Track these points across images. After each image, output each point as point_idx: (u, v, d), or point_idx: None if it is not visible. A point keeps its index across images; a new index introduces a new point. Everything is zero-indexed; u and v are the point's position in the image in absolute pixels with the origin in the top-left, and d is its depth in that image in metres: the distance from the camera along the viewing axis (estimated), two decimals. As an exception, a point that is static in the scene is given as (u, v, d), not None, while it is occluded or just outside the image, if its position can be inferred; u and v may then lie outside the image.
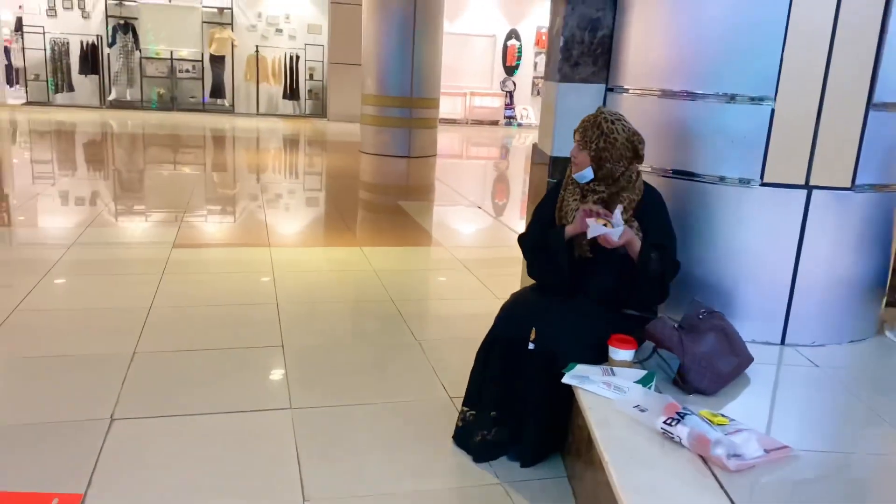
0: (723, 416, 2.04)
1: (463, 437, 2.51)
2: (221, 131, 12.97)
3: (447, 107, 16.07)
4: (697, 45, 2.75)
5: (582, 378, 2.24)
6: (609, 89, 3.16)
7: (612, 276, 2.47)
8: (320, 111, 16.09)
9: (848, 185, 2.65)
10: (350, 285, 4.39)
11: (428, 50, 10.24)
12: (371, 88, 10.39)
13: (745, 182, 2.68)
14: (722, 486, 1.75)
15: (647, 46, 2.96)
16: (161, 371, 3.00)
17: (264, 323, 3.57)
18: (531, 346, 2.33)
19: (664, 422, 1.96)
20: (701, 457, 1.87)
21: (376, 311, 3.89)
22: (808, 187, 2.63)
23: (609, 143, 2.41)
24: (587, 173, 2.46)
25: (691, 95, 2.79)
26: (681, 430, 1.92)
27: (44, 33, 14.49)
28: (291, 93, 15.82)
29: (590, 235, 2.36)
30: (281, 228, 5.94)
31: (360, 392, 2.90)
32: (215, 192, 7.63)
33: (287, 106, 16.08)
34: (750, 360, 2.44)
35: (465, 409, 2.55)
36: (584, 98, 3.15)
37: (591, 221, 2.35)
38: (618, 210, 2.37)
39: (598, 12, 3.07)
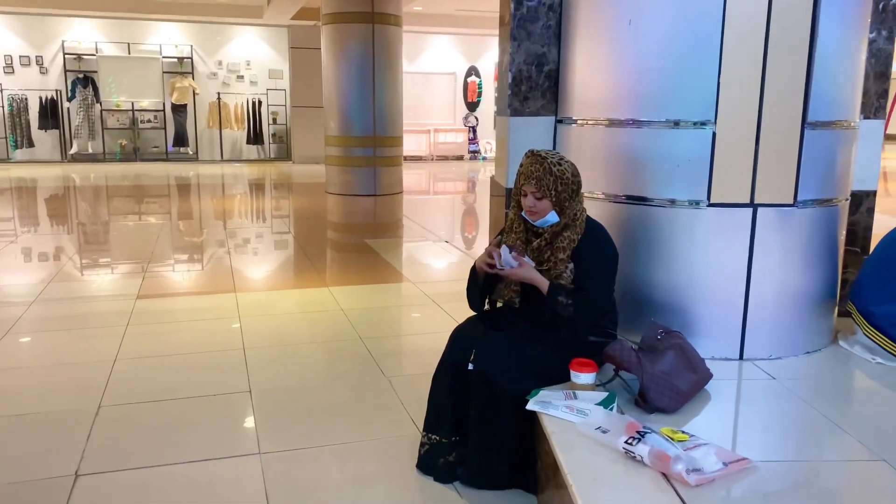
0: (683, 432, 2.08)
1: (426, 464, 2.55)
2: (186, 179, 12.94)
3: (412, 144, 16.27)
4: (639, 75, 2.86)
5: (545, 403, 2.28)
6: (559, 121, 3.25)
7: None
8: (285, 154, 16.15)
9: (790, 201, 2.74)
10: (318, 326, 4.39)
11: (388, 89, 10.38)
12: (334, 130, 10.48)
13: (693, 203, 2.76)
14: (683, 502, 1.78)
15: (592, 78, 3.06)
16: (126, 424, 2.97)
17: (231, 369, 3.55)
18: (470, 366, 2.39)
19: (625, 441, 1.99)
20: (663, 474, 1.90)
21: (345, 351, 3.89)
22: (753, 205, 2.73)
23: (564, 184, 2.47)
24: (551, 217, 2.50)
25: (637, 123, 2.88)
26: (641, 449, 1.95)
27: (1, 90, 14.41)
28: (255, 137, 15.88)
29: (507, 264, 2.44)
30: (247, 273, 5.93)
31: (330, 434, 2.89)
32: (180, 241, 7.59)
33: (251, 151, 16.13)
34: (709, 376, 2.49)
35: (425, 434, 2.58)
36: (534, 131, 3.24)
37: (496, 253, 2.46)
38: (503, 250, 2.46)
39: (544, 48, 3.17)
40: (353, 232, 8.31)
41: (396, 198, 10.49)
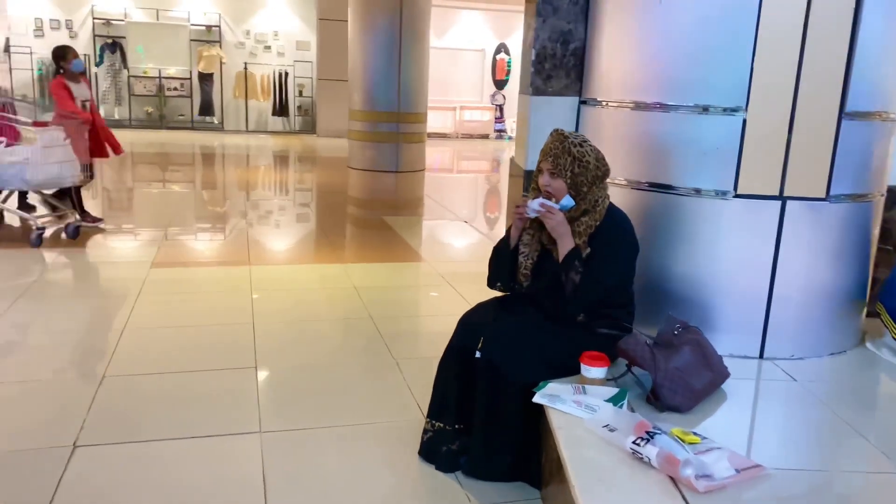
0: (695, 434, 1.98)
1: (429, 451, 2.49)
2: (210, 149, 12.93)
3: (437, 121, 16.11)
4: (669, 56, 2.72)
5: (552, 397, 2.19)
6: (582, 102, 3.13)
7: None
8: (310, 127, 16.07)
9: (822, 195, 2.61)
10: (330, 303, 4.33)
11: (415, 64, 10.24)
12: (358, 104, 10.37)
13: (719, 194, 2.64)
14: (691, 509, 1.70)
15: (619, 58, 2.93)
16: (130, 396, 2.93)
17: (238, 344, 3.51)
18: (478, 354, 2.30)
19: (633, 441, 1.91)
20: (671, 477, 1.81)
21: (354, 330, 3.83)
22: (782, 198, 2.60)
23: (583, 167, 2.36)
24: (567, 202, 2.38)
25: (664, 107, 2.75)
26: (650, 450, 1.86)
27: (31, 53, 14.46)
28: (281, 109, 15.81)
29: (531, 209, 2.35)
30: (263, 246, 5.89)
31: (332, 414, 2.84)
32: (200, 211, 7.57)
33: (276, 123, 16.07)
34: (726, 375, 2.39)
35: (429, 420, 2.51)
36: (557, 111, 3.12)
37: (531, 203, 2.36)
38: (537, 200, 2.36)
39: (570, 24, 3.04)
40: (373, 208, 8.23)
41: (419, 175, 10.39)
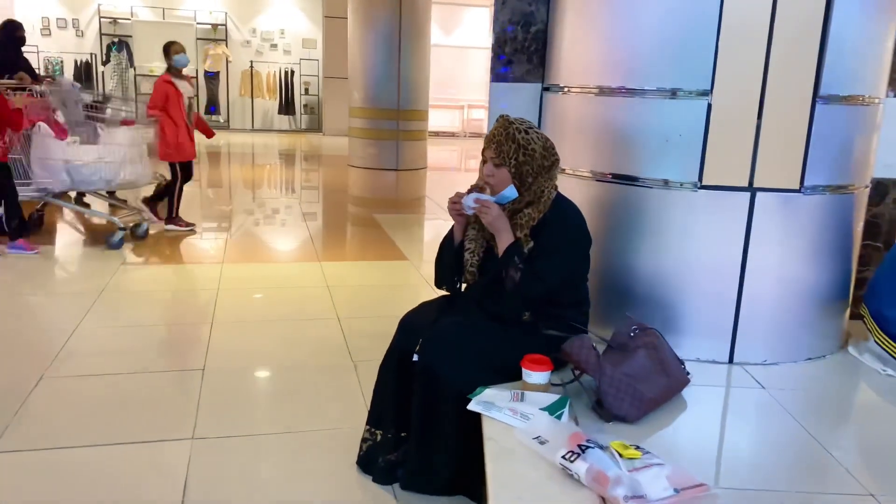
0: (637, 448, 1.78)
1: (366, 462, 2.33)
2: (215, 147, 12.84)
3: (444, 119, 15.93)
4: (631, 37, 2.53)
5: (488, 404, 2.00)
6: (545, 89, 2.93)
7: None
8: (316, 125, 15.96)
9: (796, 186, 2.40)
10: (297, 303, 4.16)
11: (415, 61, 10.07)
12: (358, 101, 10.23)
13: (683, 185, 2.44)
14: (617, 534, 1.50)
15: (581, 40, 2.74)
16: (64, 399, 2.79)
17: (192, 343, 3.36)
18: (415, 357, 2.12)
19: (563, 455, 1.71)
20: (602, 497, 1.62)
21: (317, 331, 3.66)
22: (751, 189, 2.39)
23: (528, 155, 2.17)
24: (510, 192, 2.19)
25: (629, 92, 2.56)
26: (579, 466, 1.67)
27: (38, 52, 14.47)
28: (287, 108, 15.72)
29: (466, 207, 2.18)
30: (240, 244, 5.73)
31: (274, 420, 2.67)
32: (189, 209, 7.44)
33: (283, 121, 15.98)
34: (684, 381, 2.19)
35: (368, 428, 2.35)
36: (518, 98, 2.93)
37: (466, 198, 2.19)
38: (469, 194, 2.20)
39: (531, 6, 2.85)
40: (367, 206, 8.06)
41: (419, 173, 10.21)
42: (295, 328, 3.73)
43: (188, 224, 5.83)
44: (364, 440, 2.36)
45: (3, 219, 4.67)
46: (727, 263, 2.44)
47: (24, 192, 5.03)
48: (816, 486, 1.79)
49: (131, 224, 5.45)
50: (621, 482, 1.60)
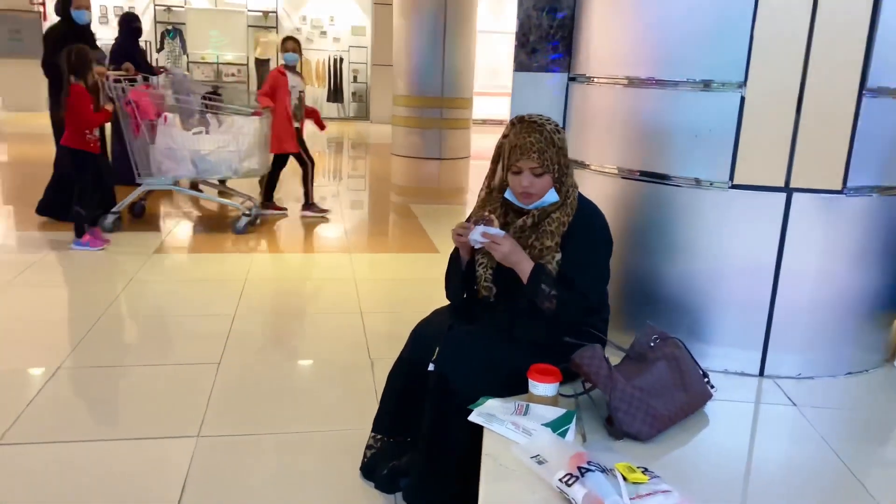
0: (645, 471, 1.65)
1: (369, 469, 2.25)
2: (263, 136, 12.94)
3: (493, 107, 15.72)
4: (663, 24, 2.36)
5: (489, 416, 1.89)
6: (571, 78, 2.78)
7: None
8: (364, 113, 15.97)
9: (838, 187, 2.20)
10: (320, 296, 4.11)
11: (460, 47, 9.92)
12: (402, 89, 10.15)
13: (714, 185, 2.27)
14: (611, 571, 1.38)
15: (610, 28, 2.58)
16: (77, 390, 2.79)
17: (211, 337, 3.31)
18: (431, 366, 2.01)
19: (560, 478, 1.59)
20: (600, 526, 1.49)
21: (338, 326, 3.59)
22: (787, 190, 2.21)
23: (563, 155, 2.03)
24: (551, 197, 2.04)
25: (660, 83, 2.39)
26: (577, 492, 1.54)
27: (97, 40, 14.82)
28: (335, 95, 15.76)
29: (474, 242, 2.01)
30: (268, 234, 5.69)
31: (282, 419, 2.61)
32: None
33: (331, 108, 16.01)
34: (706, 397, 2.03)
35: (373, 435, 2.26)
36: (542, 90, 2.79)
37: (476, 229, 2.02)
38: (476, 227, 2.01)
39: (557, -9, 2.70)
40: (405, 195, 7.96)
41: (462, 162, 10.08)
42: (315, 323, 3.67)
43: (322, 210, 6.09)
44: (368, 447, 2.28)
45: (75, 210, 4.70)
46: (760, 268, 2.27)
47: (149, 182, 5.24)
48: (842, 522, 1.62)
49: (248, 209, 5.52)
50: (620, 511, 1.47)
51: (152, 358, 3.10)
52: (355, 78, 15.94)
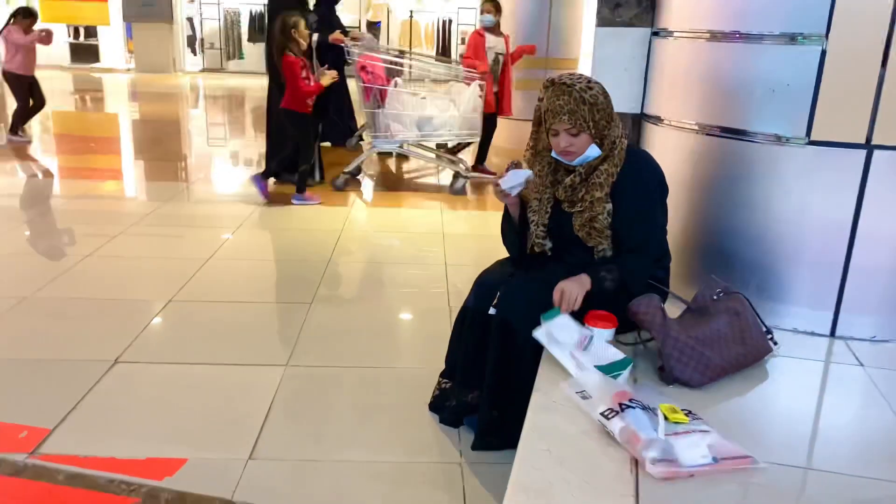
0: (687, 413, 1.71)
1: (437, 406, 2.40)
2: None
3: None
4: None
5: (552, 339, 1.96)
6: (654, 33, 2.76)
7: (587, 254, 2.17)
8: (471, 75, 16.01)
9: (924, 144, 2.12)
10: (413, 246, 4.30)
11: (567, 6, 9.74)
12: (507, 49, 10.10)
13: (790, 140, 2.23)
14: (637, 499, 1.46)
15: (694, -20, 2.55)
16: (185, 320, 3.09)
17: (306, 279, 3.57)
18: (492, 310, 2.11)
19: (601, 412, 1.68)
20: (636, 459, 1.58)
21: (420, 274, 3.77)
22: (868, 146, 2.14)
23: (599, 110, 2.05)
24: (592, 152, 2.08)
25: (744, 37, 2.36)
26: (615, 424, 1.63)
27: (219, 4, 15.58)
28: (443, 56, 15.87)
29: (505, 187, 2.11)
30: (379, 189, 5.93)
31: (364, 355, 2.81)
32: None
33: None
34: (765, 351, 2.04)
35: (441, 379, 2.40)
36: (625, 44, 2.79)
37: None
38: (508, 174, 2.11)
39: (643, -56, 2.68)
40: (504, 156, 8.01)
41: (566, 124, 9.97)
42: (405, 271, 3.86)
43: (491, 172, 6.20)
44: (437, 387, 2.42)
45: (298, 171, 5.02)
46: (836, 227, 2.23)
47: (379, 144, 5.58)
48: (885, 475, 1.61)
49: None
50: (653, 444, 1.55)
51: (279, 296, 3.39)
52: (463, 40, 15.96)
